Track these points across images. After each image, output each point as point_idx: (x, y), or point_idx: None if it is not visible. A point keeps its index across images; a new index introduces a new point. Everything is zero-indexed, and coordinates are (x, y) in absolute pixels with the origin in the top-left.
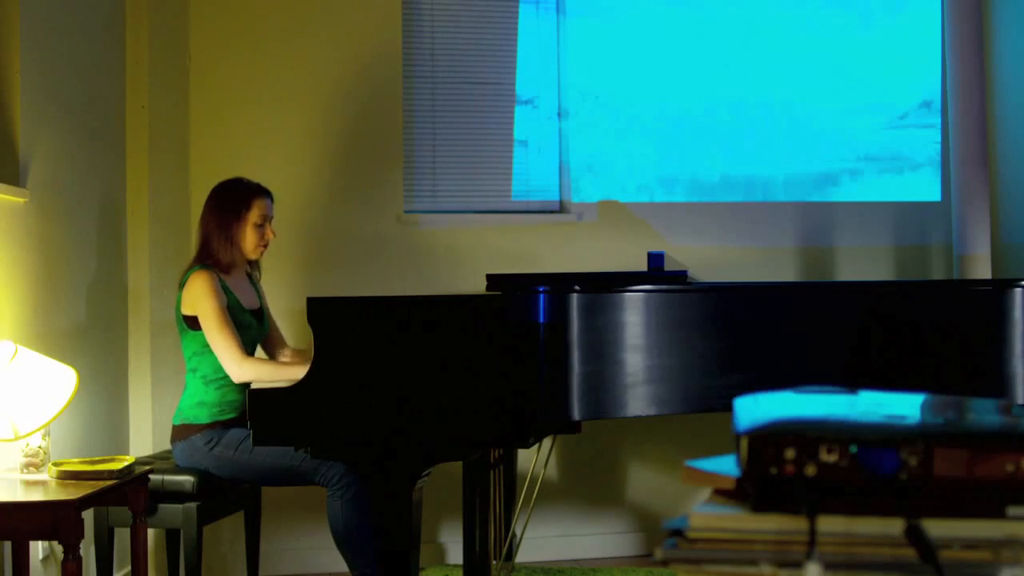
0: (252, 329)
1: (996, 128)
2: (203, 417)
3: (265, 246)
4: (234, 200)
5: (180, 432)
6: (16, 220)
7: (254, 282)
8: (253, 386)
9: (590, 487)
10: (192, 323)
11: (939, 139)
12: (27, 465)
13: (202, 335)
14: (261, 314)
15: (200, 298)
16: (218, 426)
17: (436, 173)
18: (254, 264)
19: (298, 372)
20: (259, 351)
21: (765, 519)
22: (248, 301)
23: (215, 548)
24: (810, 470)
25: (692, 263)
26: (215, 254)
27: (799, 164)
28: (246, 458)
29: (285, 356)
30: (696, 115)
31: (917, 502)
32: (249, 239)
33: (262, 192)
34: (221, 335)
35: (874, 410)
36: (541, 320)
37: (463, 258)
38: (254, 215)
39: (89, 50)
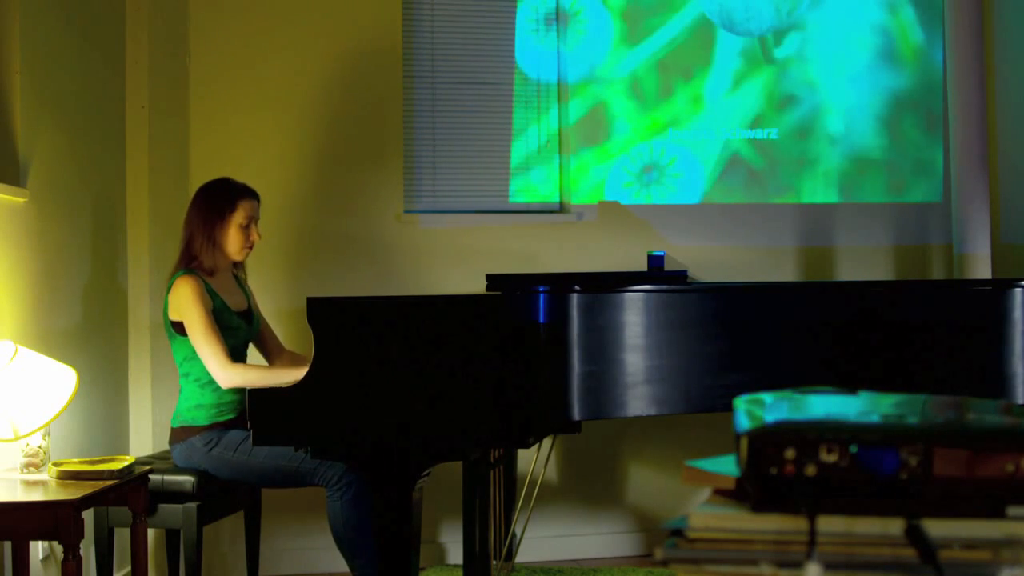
0: (241, 330)
1: (996, 128)
2: (201, 419)
3: (250, 248)
4: (219, 201)
5: (179, 434)
6: (16, 220)
7: (241, 283)
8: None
9: (590, 487)
10: (180, 329)
11: (939, 139)
12: (27, 465)
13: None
14: (250, 315)
15: (185, 304)
16: (217, 427)
17: (436, 173)
18: (239, 265)
19: (285, 376)
20: (257, 357)
21: (765, 519)
22: (235, 303)
23: (215, 548)
24: (810, 470)
25: (692, 263)
26: (198, 256)
27: (799, 164)
28: (245, 459)
29: (283, 361)
30: (696, 115)
31: (917, 502)
32: (233, 241)
33: (248, 193)
34: (206, 341)
35: (874, 410)
36: (541, 320)
37: (463, 258)
38: (239, 216)
39: (89, 50)
